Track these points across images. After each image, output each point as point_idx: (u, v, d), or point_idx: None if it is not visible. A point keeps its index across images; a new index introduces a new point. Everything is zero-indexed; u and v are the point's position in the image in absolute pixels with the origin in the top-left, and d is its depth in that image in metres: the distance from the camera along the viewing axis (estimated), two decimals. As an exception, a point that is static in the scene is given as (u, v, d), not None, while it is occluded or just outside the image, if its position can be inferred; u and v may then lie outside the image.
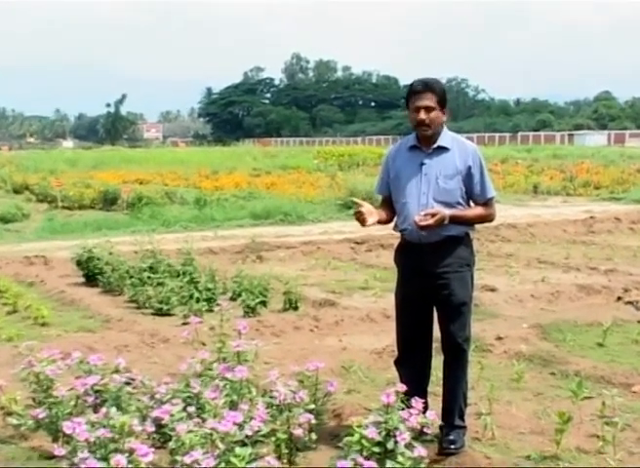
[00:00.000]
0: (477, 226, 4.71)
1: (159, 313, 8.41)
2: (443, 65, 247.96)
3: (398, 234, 4.66)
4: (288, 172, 33.54)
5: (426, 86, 4.40)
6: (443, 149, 4.46)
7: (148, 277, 9.34)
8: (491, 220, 4.68)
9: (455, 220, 4.38)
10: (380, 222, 4.58)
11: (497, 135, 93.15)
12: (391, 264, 4.88)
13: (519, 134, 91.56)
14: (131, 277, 9.41)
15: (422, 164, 4.45)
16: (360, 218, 4.39)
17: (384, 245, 12.88)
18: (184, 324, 7.59)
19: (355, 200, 4.60)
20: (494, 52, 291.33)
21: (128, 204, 20.61)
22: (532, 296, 9.07)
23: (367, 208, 4.45)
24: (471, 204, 4.56)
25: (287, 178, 28.69)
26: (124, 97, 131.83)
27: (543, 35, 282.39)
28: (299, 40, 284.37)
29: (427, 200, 4.40)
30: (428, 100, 4.38)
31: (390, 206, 4.64)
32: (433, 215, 4.29)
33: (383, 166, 4.71)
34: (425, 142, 4.47)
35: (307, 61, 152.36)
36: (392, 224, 4.67)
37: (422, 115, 4.38)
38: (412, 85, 4.45)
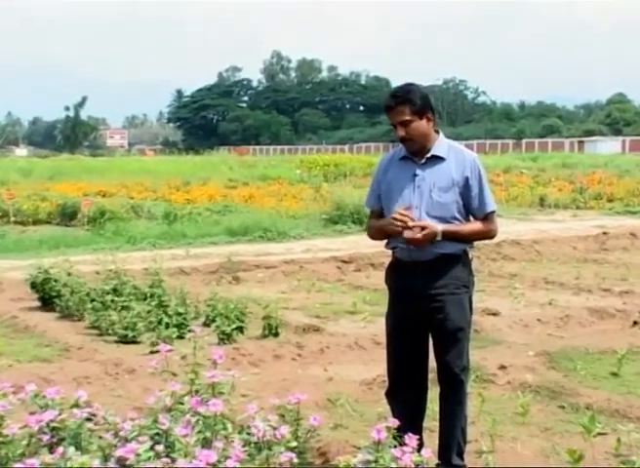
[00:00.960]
0: (477, 243, 4.75)
1: (124, 340, 8.38)
2: (439, 65, 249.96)
3: (389, 252, 4.68)
4: (267, 183, 33.59)
5: (397, 99, 4.45)
6: (438, 159, 4.50)
7: (112, 300, 9.31)
8: (491, 237, 4.72)
9: (449, 236, 4.42)
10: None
11: (499, 141, 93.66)
12: (382, 285, 4.90)
13: (524, 140, 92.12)
14: (92, 300, 9.38)
15: (415, 175, 4.50)
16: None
17: (375, 264, 12.91)
18: (152, 352, 7.57)
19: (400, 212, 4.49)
20: (495, 50, 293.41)
21: (89, 219, 20.54)
22: (538, 321, 9.11)
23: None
24: (471, 219, 4.60)
25: (266, 190, 28.74)
26: (84, 99, 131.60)
27: (550, 32, 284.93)
28: (279, 37, 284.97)
29: (420, 214, 4.43)
30: (402, 115, 4.42)
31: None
32: (422, 229, 4.34)
33: (375, 177, 4.75)
34: (418, 152, 4.52)
35: (289, 61, 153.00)
36: (384, 241, 4.70)
37: (400, 132, 4.46)
38: (384, 100, 4.54)
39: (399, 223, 4.38)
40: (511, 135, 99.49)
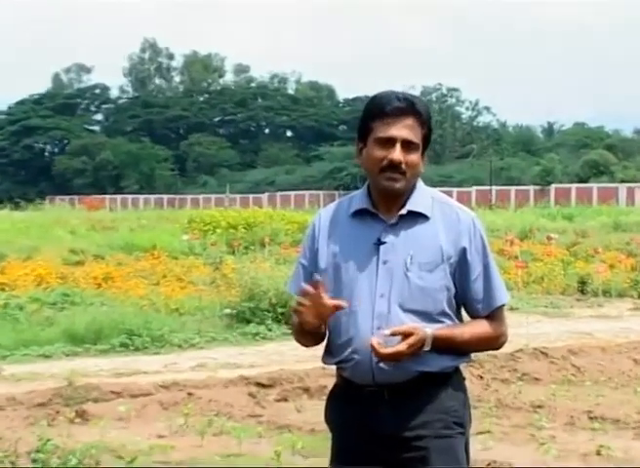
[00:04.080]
0: (477, 355, 4.79)
1: None
2: (415, 66, 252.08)
3: (333, 369, 4.71)
4: (135, 256, 33.39)
5: (410, 104, 4.48)
6: (417, 217, 4.52)
7: None
8: (500, 345, 4.74)
9: (440, 345, 4.43)
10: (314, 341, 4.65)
11: (512, 188, 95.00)
12: (322, 425, 4.91)
13: (552, 186, 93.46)
14: None
15: (380, 243, 4.51)
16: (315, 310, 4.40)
17: (311, 389, 12.89)
18: None
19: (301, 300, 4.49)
20: (505, 45, 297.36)
21: None
22: (580, 482, 9.17)
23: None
24: (463, 315, 4.65)
25: (133, 268, 28.51)
26: None
27: (592, 20, 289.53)
28: (153, 19, 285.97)
29: (389, 307, 4.44)
30: (411, 131, 4.46)
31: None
32: (405, 336, 4.34)
33: (307, 244, 4.75)
34: (386, 204, 4.54)
35: (170, 56, 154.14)
36: (322, 351, 4.71)
37: (397, 154, 4.44)
38: (380, 99, 4.51)
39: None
40: (533, 177, 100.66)
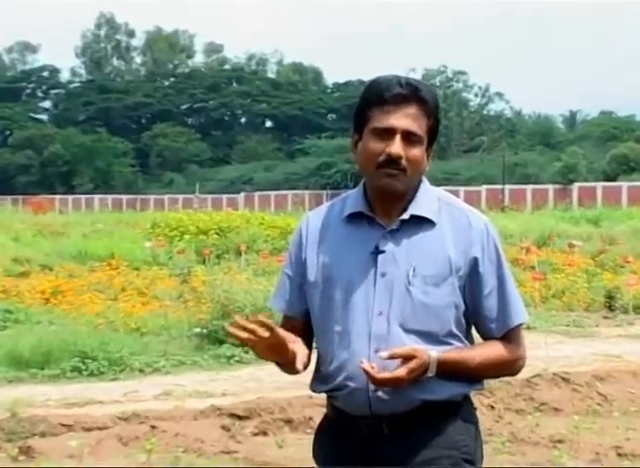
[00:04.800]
0: (489, 382, 4.79)
1: None
2: (415, 45, 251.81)
3: (321, 398, 4.70)
4: (89, 266, 33.37)
5: (414, 89, 4.44)
6: (421, 223, 4.51)
7: None
8: (517, 371, 4.74)
9: (447, 371, 4.42)
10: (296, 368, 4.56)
11: (528, 187, 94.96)
12: (308, 462, 4.92)
13: (575, 185, 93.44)
14: None
15: (378, 252, 4.49)
16: (278, 351, 4.35)
17: (294, 421, 12.87)
18: None
19: (239, 325, 4.44)
20: (519, 23, 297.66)
21: None
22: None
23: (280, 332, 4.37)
24: (473, 334, 4.65)
25: (87, 281, 28.47)
26: None
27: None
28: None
29: (388, 327, 4.44)
30: (414, 121, 4.43)
31: (306, 337, 4.67)
32: (406, 360, 4.32)
33: (293, 253, 4.75)
34: (385, 207, 4.53)
35: (130, 34, 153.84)
36: (308, 377, 4.70)
37: (396, 147, 4.40)
38: (379, 84, 4.48)
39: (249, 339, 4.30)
40: (552, 174, 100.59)
